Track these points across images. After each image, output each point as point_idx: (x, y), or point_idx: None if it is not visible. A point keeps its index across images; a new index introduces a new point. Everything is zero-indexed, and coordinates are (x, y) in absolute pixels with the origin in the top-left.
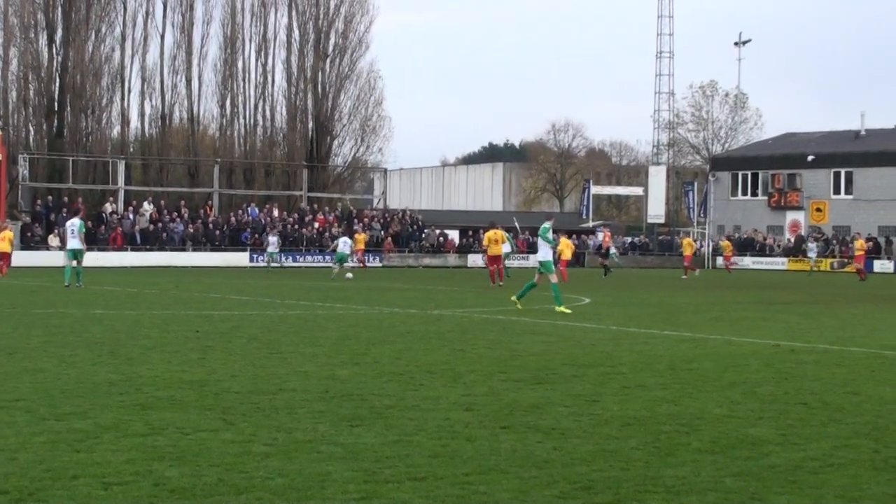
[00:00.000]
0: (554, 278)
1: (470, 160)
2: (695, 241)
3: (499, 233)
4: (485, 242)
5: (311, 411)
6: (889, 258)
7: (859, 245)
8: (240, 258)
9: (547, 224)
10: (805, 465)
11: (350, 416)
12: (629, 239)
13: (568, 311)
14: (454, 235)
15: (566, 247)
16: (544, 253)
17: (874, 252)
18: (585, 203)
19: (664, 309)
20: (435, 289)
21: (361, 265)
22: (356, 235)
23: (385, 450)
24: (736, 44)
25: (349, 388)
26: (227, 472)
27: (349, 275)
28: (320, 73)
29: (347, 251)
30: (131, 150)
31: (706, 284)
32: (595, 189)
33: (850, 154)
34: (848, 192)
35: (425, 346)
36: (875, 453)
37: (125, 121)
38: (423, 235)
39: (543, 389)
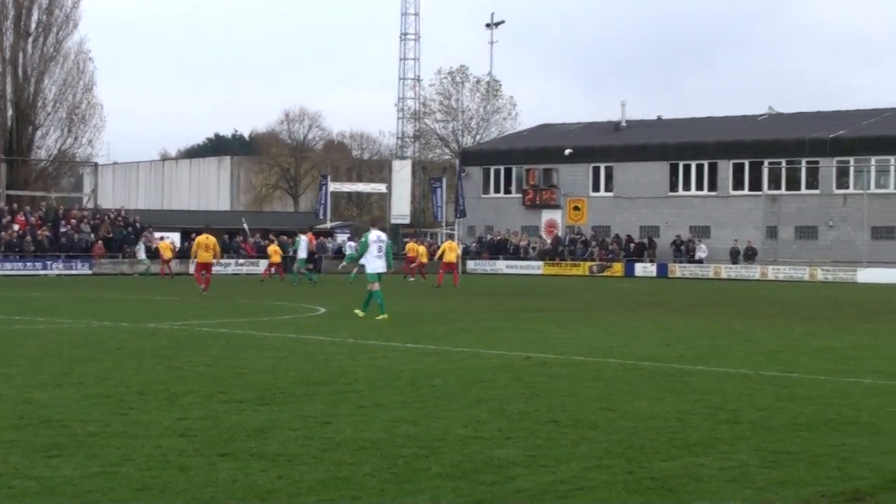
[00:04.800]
0: (376, 287)
1: (193, 153)
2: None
3: (210, 238)
4: (194, 248)
5: (1, 441)
6: (651, 261)
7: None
8: None
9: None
10: (554, 488)
11: (48, 445)
12: None
13: (383, 316)
14: (175, 238)
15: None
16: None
17: (636, 254)
18: (323, 201)
19: (407, 319)
20: (152, 299)
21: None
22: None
23: (87, 483)
24: (488, 25)
25: (48, 414)
26: None
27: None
28: (21, 54)
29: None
30: None
31: (456, 292)
32: (334, 186)
33: (609, 147)
34: (608, 188)
35: (137, 364)
36: (629, 474)
37: None
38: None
39: (270, 411)
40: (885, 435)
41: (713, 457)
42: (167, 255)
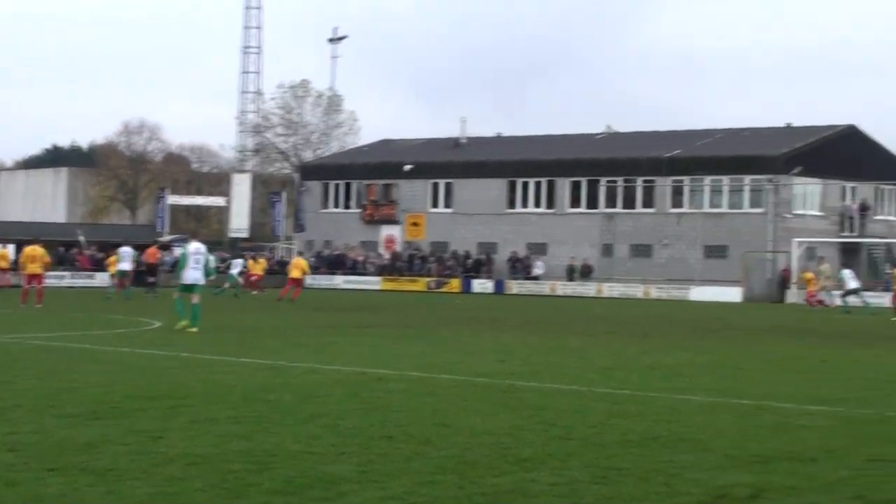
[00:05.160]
0: (196, 299)
1: (29, 164)
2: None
3: (38, 249)
4: (22, 260)
5: None
6: (489, 277)
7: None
8: None
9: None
10: None
11: None
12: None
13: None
14: (10, 249)
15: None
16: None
17: (473, 270)
18: (161, 214)
19: (244, 333)
20: None
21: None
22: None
23: None
24: (331, 40)
25: None
26: None
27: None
28: None
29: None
30: None
31: (292, 306)
32: (172, 199)
33: (449, 164)
34: (447, 204)
35: None
36: (460, 489)
37: None
38: None
39: (101, 426)
40: (712, 451)
41: (544, 472)
42: (2, 264)
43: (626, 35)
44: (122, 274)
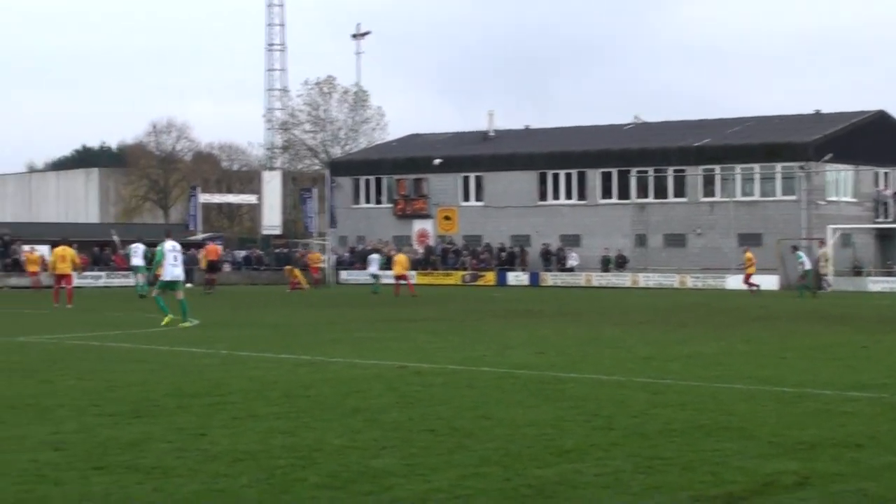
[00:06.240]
0: (180, 295)
1: (60, 165)
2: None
3: (67, 250)
4: (52, 260)
5: None
6: (524, 269)
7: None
8: None
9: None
10: (431, 497)
11: None
12: (243, 252)
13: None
14: (44, 251)
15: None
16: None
17: (507, 263)
18: (193, 212)
19: (281, 330)
20: (21, 312)
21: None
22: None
23: None
24: (354, 36)
25: None
26: None
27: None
28: None
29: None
30: None
31: (329, 302)
32: (204, 197)
33: (479, 157)
34: (478, 198)
35: (7, 378)
36: (506, 481)
37: None
38: (11, 251)
39: (143, 424)
40: (756, 439)
41: (589, 463)
42: (33, 267)
43: (651, 25)
44: (136, 269)
